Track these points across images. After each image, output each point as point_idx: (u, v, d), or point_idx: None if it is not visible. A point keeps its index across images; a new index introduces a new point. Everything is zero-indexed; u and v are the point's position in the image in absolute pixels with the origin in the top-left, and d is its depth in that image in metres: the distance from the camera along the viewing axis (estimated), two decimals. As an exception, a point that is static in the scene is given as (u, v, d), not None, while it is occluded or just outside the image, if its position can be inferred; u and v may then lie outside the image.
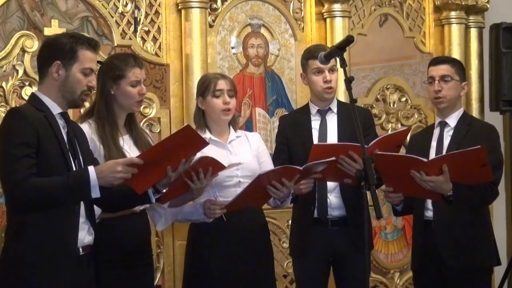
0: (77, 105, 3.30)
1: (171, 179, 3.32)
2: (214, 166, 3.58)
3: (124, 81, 3.69)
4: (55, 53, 3.20)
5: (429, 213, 4.12)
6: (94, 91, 3.57)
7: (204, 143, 3.37)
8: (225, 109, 3.89)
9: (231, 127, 4.00)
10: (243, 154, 3.94)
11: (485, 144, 3.88)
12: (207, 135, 3.92)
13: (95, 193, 3.08)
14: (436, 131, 4.24)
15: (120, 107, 3.72)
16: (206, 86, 3.93)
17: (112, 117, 3.69)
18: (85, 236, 3.19)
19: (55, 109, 3.20)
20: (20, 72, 4.39)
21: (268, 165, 4.01)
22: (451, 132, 4.19)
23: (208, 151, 3.80)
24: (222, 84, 3.91)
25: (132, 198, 3.28)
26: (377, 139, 3.88)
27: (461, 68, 4.28)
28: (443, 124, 4.22)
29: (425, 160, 3.79)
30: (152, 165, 3.18)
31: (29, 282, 3.07)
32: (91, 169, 3.09)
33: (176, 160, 3.29)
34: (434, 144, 4.19)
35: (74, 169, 3.17)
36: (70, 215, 3.14)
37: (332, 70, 4.13)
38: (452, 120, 4.21)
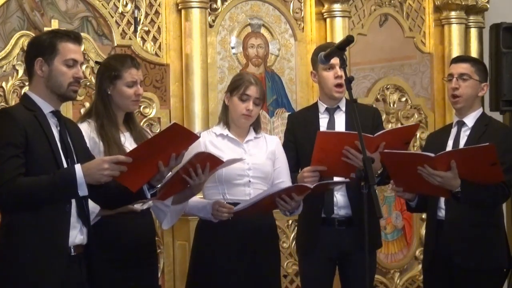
0: (69, 97, 3.27)
1: (164, 174, 3.32)
2: (212, 161, 3.58)
3: (120, 81, 3.71)
4: (36, 50, 3.22)
5: (442, 212, 4.10)
6: (90, 85, 3.56)
7: (194, 137, 3.37)
8: (246, 115, 3.89)
9: (252, 128, 3.99)
10: (258, 155, 3.93)
11: (501, 145, 3.87)
12: (224, 132, 3.93)
13: (83, 191, 3.08)
14: (453, 130, 4.22)
15: (117, 107, 3.75)
16: (237, 86, 3.90)
17: (110, 115, 3.72)
18: (76, 235, 3.18)
19: (47, 108, 3.20)
20: (20, 72, 4.39)
21: (283, 172, 3.99)
22: (468, 132, 4.16)
23: (223, 148, 3.82)
24: (252, 91, 3.88)
25: (128, 194, 3.26)
26: (383, 131, 3.87)
27: (482, 69, 4.25)
28: (461, 124, 4.21)
29: (432, 155, 3.76)
30: (142, 162, 3.18)
31: (20, 282, 3.06)
32: (77, 167, 3.09)
33: (166, 155, 3.28)
34: (450, 143, 4.17)
35: (66, 166, 3.16)
36: (61, 214, 3.13)
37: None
38: (470, 120, 4.18)
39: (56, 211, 3.11)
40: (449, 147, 4.15)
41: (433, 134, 4.54)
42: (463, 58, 4.41)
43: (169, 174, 3.55)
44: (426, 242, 4.31)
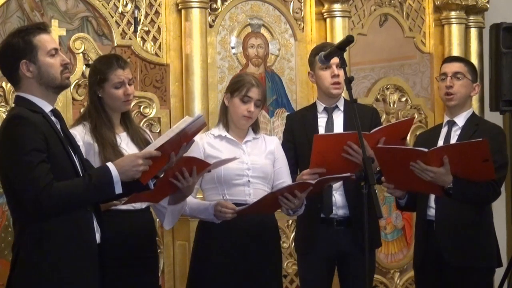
0: (65, 86, 3.22)
1: (173, 164, 3.33)
2: (197, 164, 3.58)
3: (107, 84, 3.73)
4: (15, 55, 3.12)
5: (432, 212, 4.13)
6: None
7: (203, 123, 3.39)
8: (247, 116, 3.88)
9: (251, 129, 3.99)
10: (257, 155, 3.93)
11: (492, 144, 3.88)
12: (223, 133, 3.92)
13: (118, 189, 3.07)
14: (444, 130, 4.25)
15: (110, 108, 3.77)
16: (238, 87, 3.89)
17: (105, 117, 3.74)
18: (95, 233, 3.18)
19: (47, 107, 3.15)
20: (20, 72, 4.38)
21: (284, 173, 3.99)
22: (458, 132, 4.20)
23: (222, 149, 3.83)
24: (254, 93, 3.87)
25: (129, 187, 3.21)
26: (379, 127, 3.87)
27: (473, 69, 4.32)
28: (451, 123, 4.24)
29: (425, 150, 3.78)
30: (162, 156, 3.19)
31: (60, 286, 3.04)
32: (111, 166, 3.08)
33: (179, 145, 3.29)
34: (440, 142, 4.20)
35: (78, 165, 3.15)
36: (85, 214, 3.12)
37: (340, 66, 4.12)
38: (461, 120, 4.22)
39: (81, 211, 3.10)
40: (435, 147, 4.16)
41: (423, 134, 4.56)
42: (456, 58, 4.52)
43: None
44: (416, 242, 4.32)
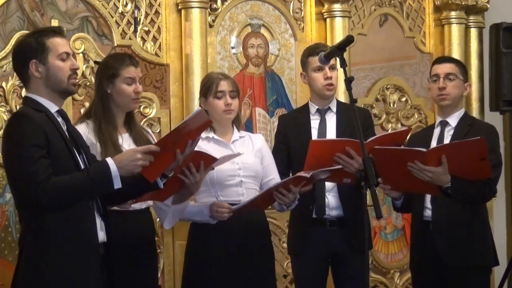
0: (70, 91, 3.26)
1: (180, 163, 3.33)
2: (205, 159, 3.58)
3: (118, 79, 3.74)
4: (26, 54, 3.17)
5: (428, 212, 4.13)
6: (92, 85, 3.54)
7: (209, 121, 3.40)
8: (227, 110, 3.90)
9: (234, 127, 4.00)
10: (246, 154, 3.93)
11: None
12: (210, 135, 3.93)
13: (117, 184, 3.09)
14: (437, 131, 4.26)
15: (117, 107, 3.77)
16: (208, 87, 3.92)
17: (109, 116, 3.74)
18: (99, 232, 3.18)
19: (52, 108, 3.18)
20: (20, 72, 4.38)
21: (272, 169, 4.01)
22: (451, 132, 4.20)
23: (211, 150, 3.81)
24: (223, 85, 3.90)
25: (140, 186, 3.25)
26: (376, 136, 3.88)
27: (464, 69, 4.33)
28: (444, 124, 4.24)
29: (424, 150, 3.79)
30: (164, 151, 3.19)
31: (59, 284, 3.05)
32: (109, 160, 3.10)
33: (183, 142, 3.29)
34: (434, 143, 4.20)
35: (82, 165, 3.16)
36: (86, 211, 3.13)
37: (333, 68, 4.15)
38: (453, 120, 4.23)
39: (82, 208, 3.11)
40: (433, 147, 4.17)
41: (415, 135, 4.54)
42: (447, 59, 4.49)
43: None
44: (412, 243, 4.33)
